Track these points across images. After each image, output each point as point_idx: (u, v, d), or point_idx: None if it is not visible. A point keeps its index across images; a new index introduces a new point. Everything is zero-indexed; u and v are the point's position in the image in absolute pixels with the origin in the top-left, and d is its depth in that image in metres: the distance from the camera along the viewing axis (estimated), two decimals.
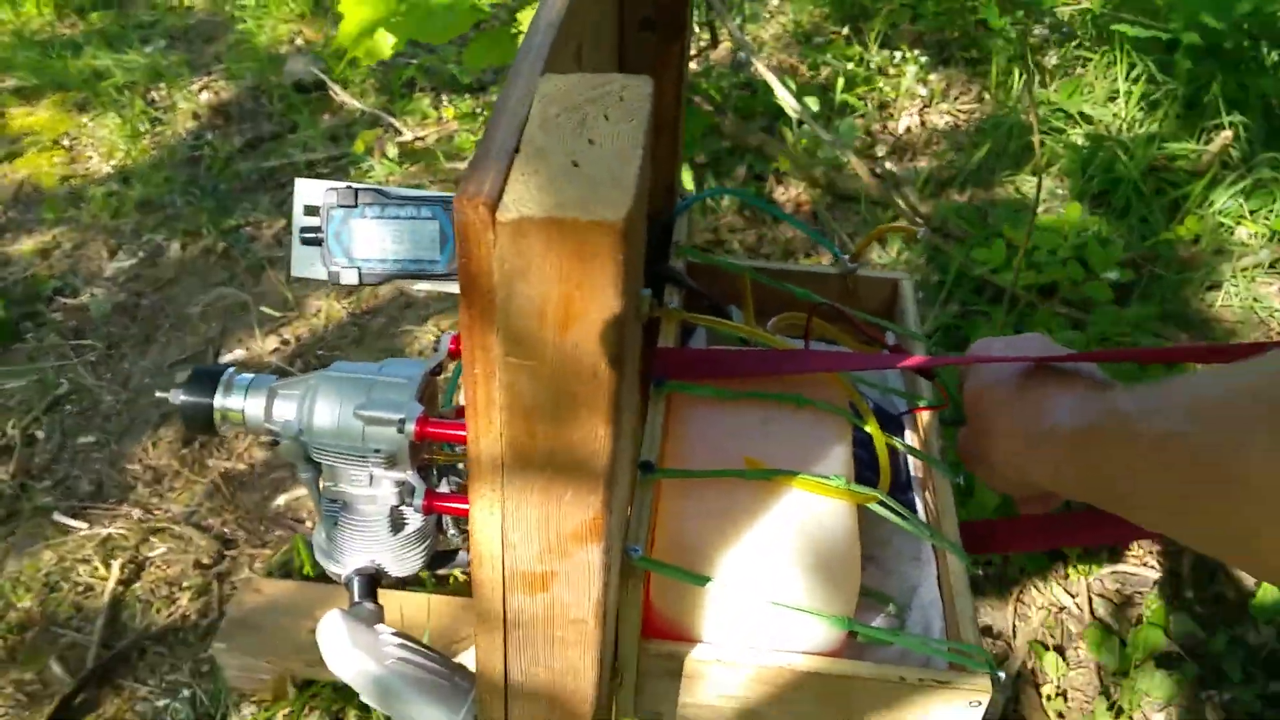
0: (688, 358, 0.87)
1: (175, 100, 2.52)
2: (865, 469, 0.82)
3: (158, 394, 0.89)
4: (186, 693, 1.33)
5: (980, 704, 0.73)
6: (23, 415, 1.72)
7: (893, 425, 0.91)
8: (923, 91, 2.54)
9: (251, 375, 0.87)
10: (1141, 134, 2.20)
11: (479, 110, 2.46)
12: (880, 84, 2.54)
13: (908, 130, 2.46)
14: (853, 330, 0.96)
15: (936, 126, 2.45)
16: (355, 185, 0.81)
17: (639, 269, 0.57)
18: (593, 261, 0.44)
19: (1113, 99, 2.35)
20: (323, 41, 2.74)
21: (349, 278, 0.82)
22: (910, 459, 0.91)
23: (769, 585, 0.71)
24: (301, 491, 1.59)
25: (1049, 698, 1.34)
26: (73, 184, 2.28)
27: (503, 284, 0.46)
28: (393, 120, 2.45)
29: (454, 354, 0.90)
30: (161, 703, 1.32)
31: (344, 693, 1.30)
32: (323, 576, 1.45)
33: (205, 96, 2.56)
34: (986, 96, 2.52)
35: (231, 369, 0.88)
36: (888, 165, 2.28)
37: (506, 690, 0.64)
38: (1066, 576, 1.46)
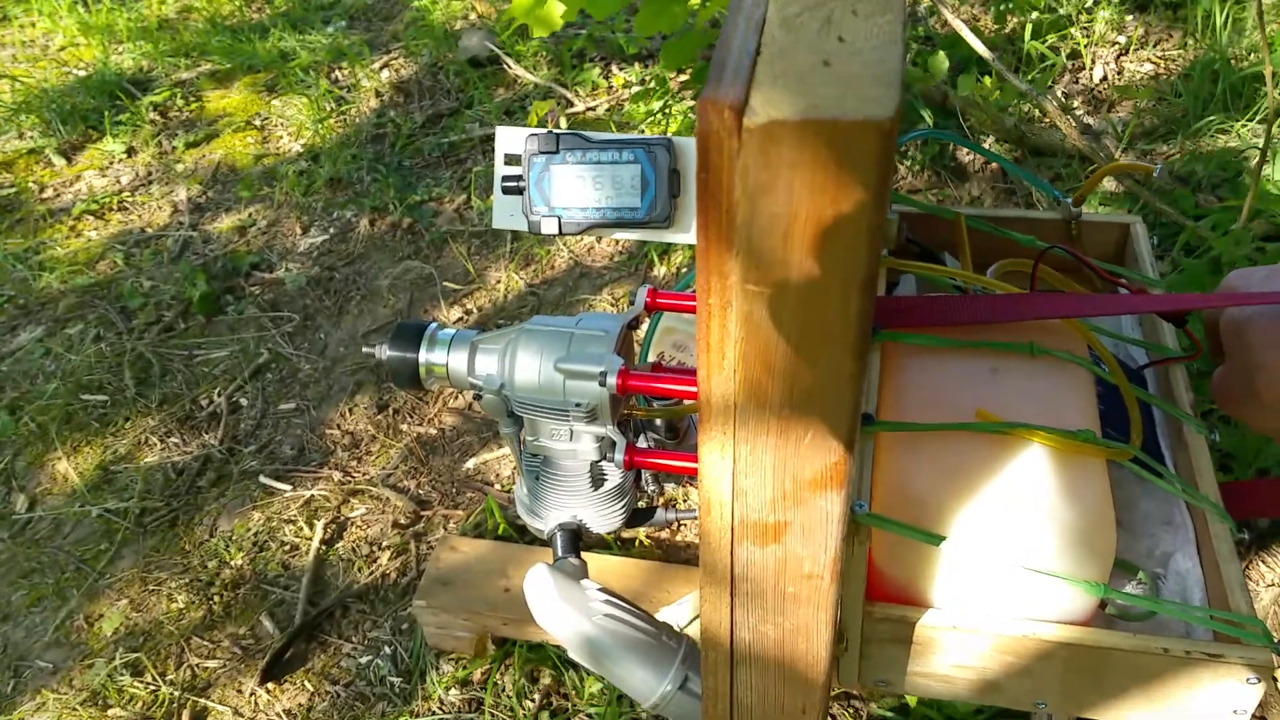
0: (904, 304, 0.81)
1: (358, 79, 2.59)
2: (1108, 424, 0.75)
3: (364, 349, 0.90)
4: (388, 649, 1.36)
5: (1258, 681, 0.65)
6: (227, 384, 1.81)
7: (1134, 379, 0.83)
8: (1119, 39, 2.36)
9: (454, 330, 0.87)
10: None
11: (647, 79, 2.43)
12: (1071, 32, 2.37)
13: (1103, 80, 2.29)
14: (1082, 278, 0.88)
15: (1135, 75, 2.27)
16: (556, 131, 0.79)
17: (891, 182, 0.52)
18: (852, 168, 0.40)
19: None
20: (495, 16, 2.77)
21: (549, 227, 0.81)
22: (1157, 414, 0.82)
23: (1014, 547, 0.65)
24: (489, 455, 1.61)
25: None
26: (265, 163, 2.38)
27: (745, 199, 0.42)
28: (564, 91, 2.45)
29: (650, 308, 0.87)
30: (365, 659, 1.35)
31: (539, 652, 1.31)
32: (517, 535, 1.47)
33: (386, 74, 2.62)
34: (1190, 42, 2.31)
35: (434, 324, 0.88)
36: (1083, 117, 2.13)
37: (733, 651, 0.61)
38: None
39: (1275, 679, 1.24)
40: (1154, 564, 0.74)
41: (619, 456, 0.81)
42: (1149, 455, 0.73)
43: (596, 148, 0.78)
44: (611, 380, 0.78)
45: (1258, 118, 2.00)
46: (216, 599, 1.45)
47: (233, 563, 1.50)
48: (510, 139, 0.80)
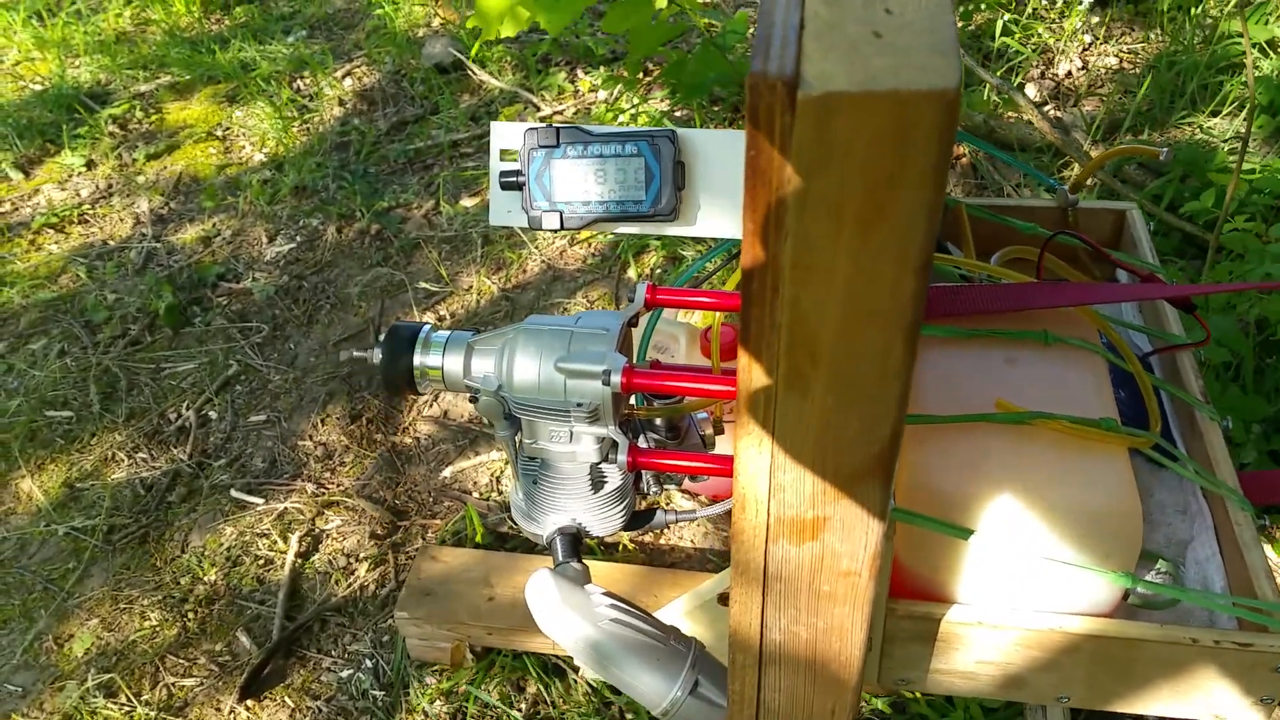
0: None
1: (321, 88, 2.55)
2: (1124, 413, 0.74)
3: (355, 353, 0.87)
4: (369, 663, 1.32)
5: None
6: (196, 397, 1.76)
7: (1142, 365, 0.82)
8: (1085, 35, 2.38)
9: (448, 331, 0.84)
10: None
11: (615, 76, 2.41)
12: (1038, 29, 2.39)
13: (1069, 75, 2.31)
14: (1082, 267, 0.88)
15: (1101, 69, 2.29)
16: (555, 124, 0.76)
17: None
18: (913, 142, 0.38)
19: None
20: (458, 22, 2.73)
21: (550, 222, 0.78)
22: (1168, 401, 0.82)
23: (1040, 539, 0.63)
24: (467, 463, 1.58)
25: None
26: (228, 173, 2.32)
27: (797, 177, 0.40)
28: (530, 96, 2.43)
29: (650, 304, 0.85)
30: (346, 673, 1.31)
31: (521, 661, 1.28)
32: (498, 543, 1.44)
33: (349, 83, 2.58)
34: (1153, 36, 2.34)
35: (428, 325, 0.85)
36: (1051, 111, 2.14)
37: (762, 652, 0.59)
38: None
39: None
40: (1173, 552, 0.74)
41: (622, 457, 0.79)
42: (1166, 443, 0.72)
43: (599, 140, 0.76)
44: (615, 379, 0.75)
45: (1224, 112, 2.02)
46: (191, 616, 1.41)
47: (206, 579, 1.46)
48: (506, 134, 0.78)
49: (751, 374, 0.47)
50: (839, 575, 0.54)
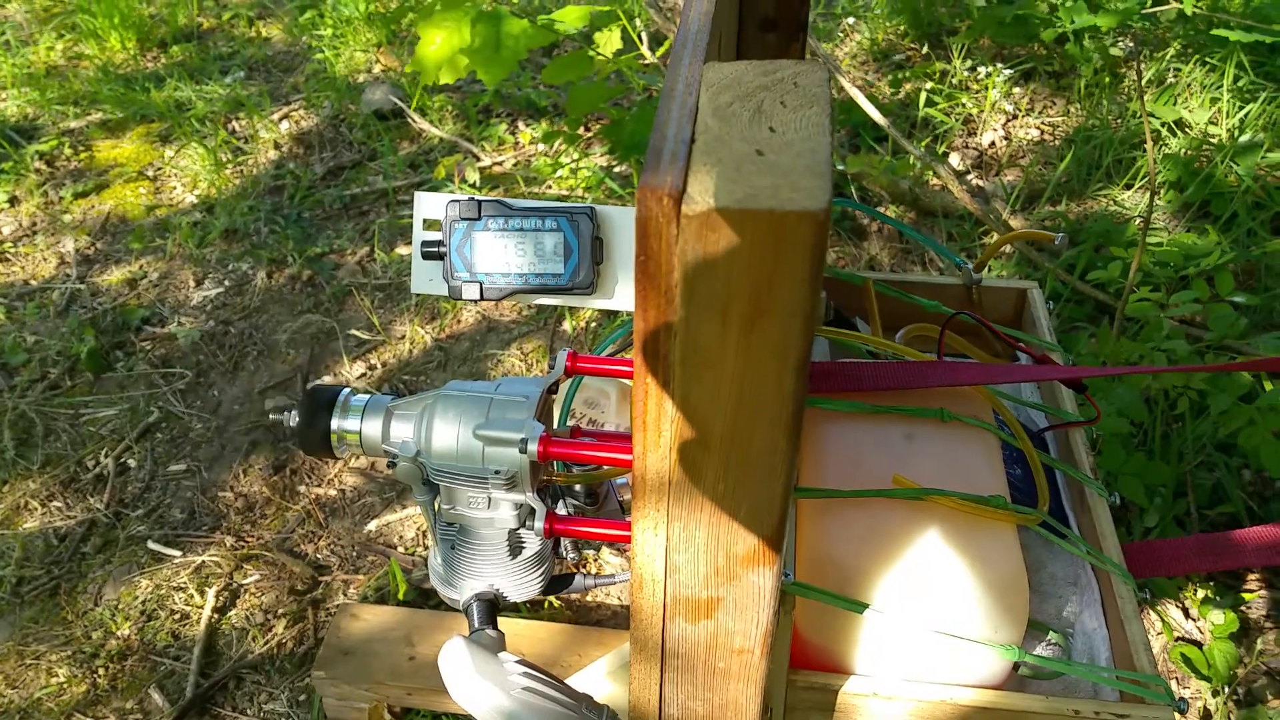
0: (822, 369, 0.82)
1: (256, 130, 2.54)
2: (1015, 488, 0.77)
3: (271, 415, 0.87)
4: None
5: None
6: (115, 444, 1.73)
7: (1035, 442, 0.86)
8: (1008, 106, 2.48)
9: (367, 396, 0.85)
10: (1245, 142, 2.11)
11: (555, 130, 2.45)
12: (963, 100, 2.48)
13: (992, 145, 2.40)
14: (983, 343, 0.92)
15: (1023, 140, 2.39)
16: (477, 197, 0.78)
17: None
18: (789, 254, 0.41)
19: (1214, 103, 2.26)
20: (400, 69, 2.75)
21: (470, 292, 0.80)
22: (1060, 477, 0.85)
23: (931, 612, 0.66)
24: (393, 516, 1.57)
25: None
26: (158, 214, 2.30)
27: (684, 282, 0.43)
28: (470, 146, 2.45)
29: (570, 371, 0.87)
30: None
31: None
32: (422, 600, 1.44)
33: (286, 126, 2.58)
34: (1073, 110, 2.45)
35: (347, 390, 0.86)
36: (973, 180, 2.22)
37: None
38: (1185, 605, 1.38)
39: None
40: (1063, 624, 0.77)
41: (539, 524, 0.80)
42: (1055, 518, 0.75)
43: (519, 215, 0.78)
44: (533, 447, 0.77)
45: (1135, 185, 2.12)
46: (101, 671, 1.38)
47: (119, 633, 1.42)
48: (430, 204, 0.80)
49: (646, 461, 0.49)
50: (733, 652, 0.55)
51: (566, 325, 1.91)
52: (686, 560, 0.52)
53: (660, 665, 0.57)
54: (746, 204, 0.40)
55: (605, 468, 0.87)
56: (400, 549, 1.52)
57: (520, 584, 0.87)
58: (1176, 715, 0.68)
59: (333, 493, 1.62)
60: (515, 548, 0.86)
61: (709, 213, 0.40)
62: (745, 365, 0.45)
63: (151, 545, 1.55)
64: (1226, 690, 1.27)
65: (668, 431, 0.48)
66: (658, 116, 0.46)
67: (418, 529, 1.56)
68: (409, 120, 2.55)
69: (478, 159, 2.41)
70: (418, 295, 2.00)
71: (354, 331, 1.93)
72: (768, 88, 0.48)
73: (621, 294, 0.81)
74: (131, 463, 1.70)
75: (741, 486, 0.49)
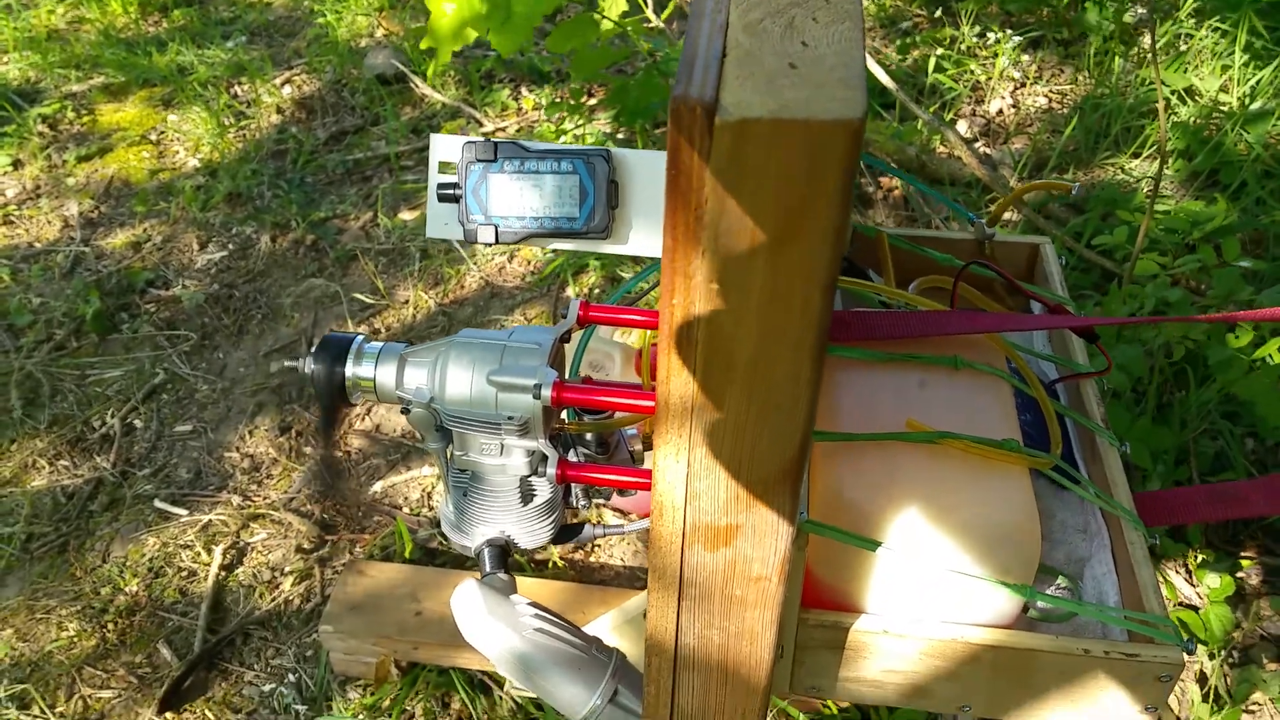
0: (837, 318, 0.82)
1: (259, 94, 2.53)
2: (1028, 436, 0.77)
3: (286, 363, 0.87)
4: (292, 677, 1.31)
5: (1170, 678, 0.67)
6: (121, 405, 1.73)
7: (1048, 392, 0.86)
8: (1016, 74, 2.47)
9: (381, 343, 0.85)
10: (1255, 110, 2.11)
11: (558, 100, 2.44)
12: (971, 66, 2.47)
13: (1000, 113, 2.39)
14: (995, 295, 0.92)
15: (1031, 108, 2.38)
16: (494, 140, 0.78)
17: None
18: (823, 168, 0.41)
19: (1225, 70, 2.25)
20: (403, 34, 2.74)
21: (485, 235, 0.80)
22: (1071, 426, 0.86)
23: (944, 552, 0.66)
24: (397, 477, 1.58)
25: None
26: (161, 178, 2.30)
27: (714, 198, 0.43)
28: (473, 112, 2.44)
29: (582, 321, 0.87)
30: (268, 687, 1.30)
31: (446, 676, 1.28)
32: (427, 558, 1.44)
33: (288, 90, 2.57)
34: (1081, 78, 2.44)
35: (361, 337, 0.85)
36: (980, 148, 2.21)
37: (676, 656, 0.60)
38: (1188, 567, 1.38)
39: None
40: (1072, 569, 0.77)
41: (551, 470, 0.80)
42: (1066, 465, 0.76)
43: (535, 157, 0.77)
44: (546, 392, 0.77)
45: (1144, 154, 2.11)
46: (110, 627, 1.38)
47: (127, 589, 1.43)
48: (446, 146, 0.79)
49: (670, 385, 0.49)
50: (750, 580, 0.56)
51: (570, 290, 1.91)
52: (707, 487, 0.52)
53: (678, 594, 0.57)
54: (781, 114, 0.40)
55: (617, 415, 0.87)
56: (406, 509, 1.53)
57: (531, 531, 0.87)
58: (1186, 656, 0.68)
59: (339, 454, 1.63)
60: (527, 495, 0.86)
61: (742, 123, 0.40)
62: (773, 285, 0.45)
63: (158, 504, 1.55)
64: (1222, 654, 1.28)
65: (692, 355, 0.48)
66: (687, 35, 0.46)
67: (422, 490, 1.56)
68: (412, 85, 2.53)
69: (480, 124, 2.40)
70: (434, 239, 1.98)
71: (358, 295, 1.93)
72: (799, 4, 0.47)
73: (636, 239, 0.81)
74: (138, 423, 1.70)
75: (764, 412, 0.49)
